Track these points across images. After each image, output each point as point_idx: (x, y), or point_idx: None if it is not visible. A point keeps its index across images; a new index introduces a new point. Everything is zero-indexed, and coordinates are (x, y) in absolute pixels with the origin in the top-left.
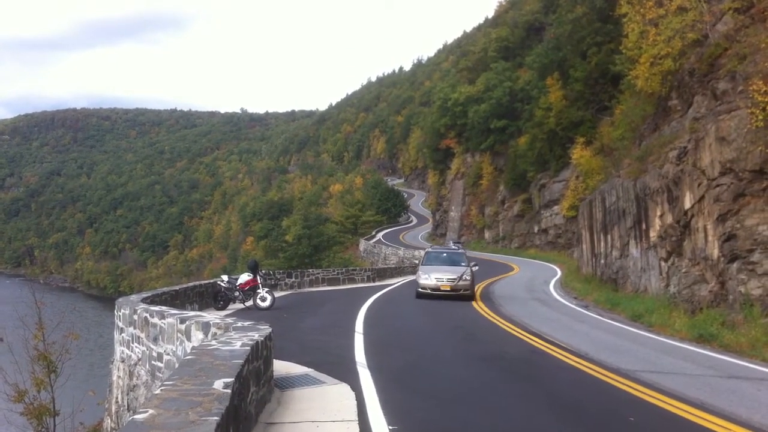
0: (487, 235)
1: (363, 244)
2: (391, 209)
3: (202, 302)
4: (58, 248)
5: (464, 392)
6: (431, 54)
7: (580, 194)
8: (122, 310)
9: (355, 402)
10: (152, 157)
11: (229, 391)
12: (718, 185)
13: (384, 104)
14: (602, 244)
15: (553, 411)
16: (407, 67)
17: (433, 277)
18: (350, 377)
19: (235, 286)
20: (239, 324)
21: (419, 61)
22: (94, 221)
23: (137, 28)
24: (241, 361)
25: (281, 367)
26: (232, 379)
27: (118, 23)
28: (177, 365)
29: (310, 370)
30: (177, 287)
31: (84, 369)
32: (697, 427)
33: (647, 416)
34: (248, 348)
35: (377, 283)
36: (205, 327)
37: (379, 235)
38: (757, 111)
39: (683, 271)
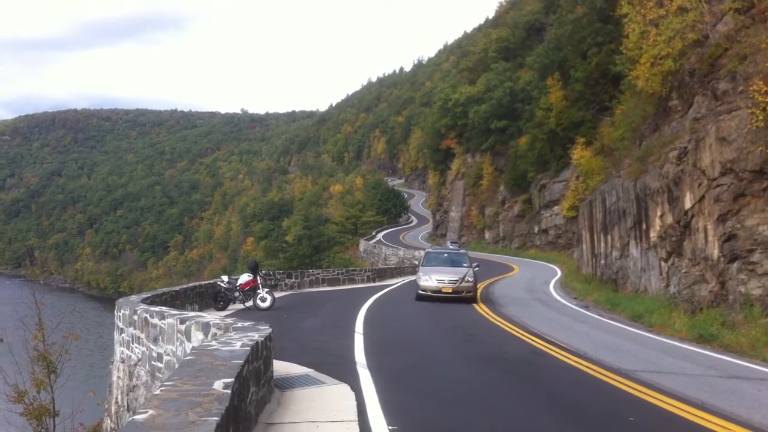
0: (487, 235)
1: (363, 245)
2: (391, 210)
3: (202, 303)
4: (59, 249)
5: (464, 392)
6: (432, 54)
7: (581, 194)
8: (122, 311)
9: (355, 402)
10: (153, 158)
11: (229, 391)
12: (718, 185)
13: (384, 105)
14: (602, 244)
15: (553, 411)
16: (408, 68)
17: (434, 279)
18: (350, 377)
19: (236, 287)
20: (239, 324)
21: (420, 62)
22: (95, 222)
23: (137, 28)
24: (241, 362)
25: (281, 367)
26: (232, 380)
27: (118, 23)
28: (177, 366)
29: (310, 370)
30: (177, 288)
31: (84, 369)
32: (697, 427)
33: (647, 416)
34: (248, 348)
35: (377, 284)
36: (205, 327)
37: (380, 236)
38: (758, 111)
39: (683, 271)
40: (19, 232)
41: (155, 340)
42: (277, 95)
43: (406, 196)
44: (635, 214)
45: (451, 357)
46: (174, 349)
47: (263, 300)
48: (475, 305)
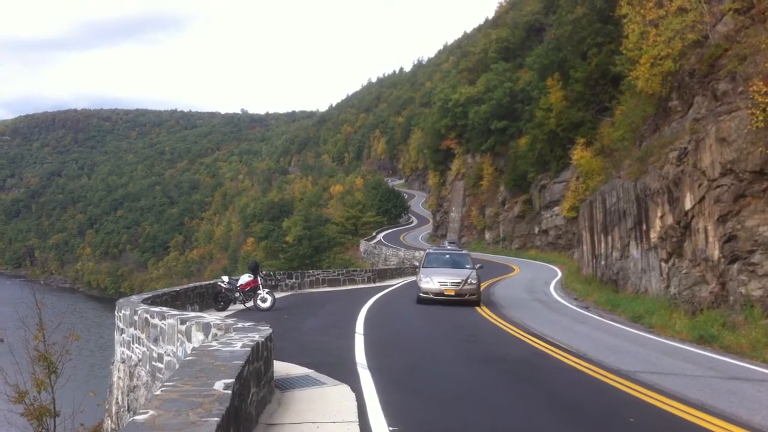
0: (487, 236)
1: (363, 245)
2: (391, 210)
3: (202, 303)
4: (59, 249)
5: (465, 393)
6: (432, 55)
7: (581, 195)
8: (123, 311)
9: (356, 403)
10: (153, 158)
11: (229, 392)
12: (718, 186)
13: (384, 105)
14: (603, 245)
15: (553, 411)
16: (408, 68)
17: (435, 281)
18: (351, 378)
19: (236, 287)
20: (240, 325)
21: (420, 62)
22: (95, 222)
23: (137, 29)
24: (241, 362)
25: (282, 368)
26: (233, 380)
27: (118, 24)
28: (177, 366)
29: (311, 371)
30: (177, 288)
31: (84, 370)
32: (698, 429)
33: (647, 417)
34: (249, 349)
35: (378, 284)
36: (206, 328)
37: (380, 236)
38: (758, 112)
39: (684, 272)
40: (19, 232)
41: (156, 341)
42: (277, 95)
43: (406, 197)
44: (635, 214)
45: (452, 358)
46: (174, 350)
47: (264, 300)
48: (476, 306)
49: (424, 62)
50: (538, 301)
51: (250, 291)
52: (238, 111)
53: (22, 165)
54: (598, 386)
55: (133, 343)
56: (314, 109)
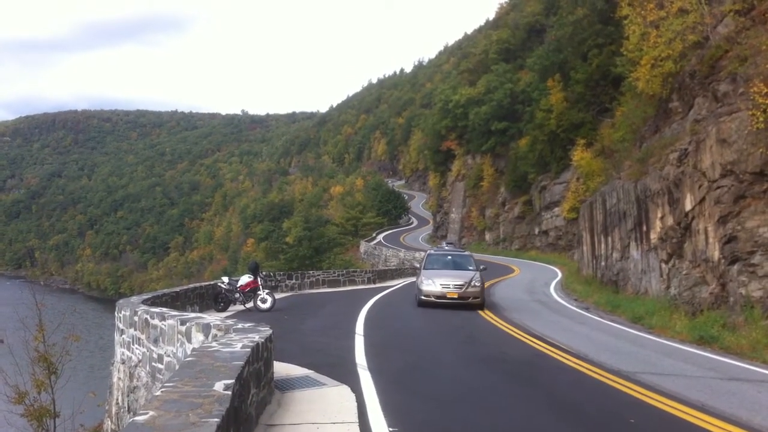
0: (487, 236)
1: (363, 246)
2: (391, 211)
3: (202, 304)
4: (59, 250)
5: (465, 393)
6: (432, 56)
7: (581, 196)
8: (123, 312)
9: (356, 404)
10: (153, 159)
11: (229, 392)
12: (718, 187)
13: (385, 106)
14: (603, 245)
15: (553, 412)
16: (408, 69)
17: (437, 283)
18: (351, 379)
19: (236, 288)
20: (240, 326)
21: (420, 63)
22: (95, 223)
23: (138, 30)
24: (241, 363)
25: (282, 368)
26: (233, 381)
27: (118, 24)
28: (177, 367)
29: (311, 371)
30: (177, 289)
31: (84, 370)
32: (698, 429)
33: (647, 418)
34: (249, 350)
35: (378, 285)
36: (206, 329)
37: (380, 237)
38: (758, 113)
39: (684, 273)
40: (19, 233)
41: (156, 341)
42: (278, 96)
43: (406, 198)
44: (636, 215)
45: (452, 358)
46: (174, 351)
47: (264, 301)
48: (478, 309)
49: (424, 63)
50: (539, 302)
51: (250, 292)
52: (239, 112)
53: (23, 166)
54: (598, 387)
55: (133, 344)
56: (314, 110)
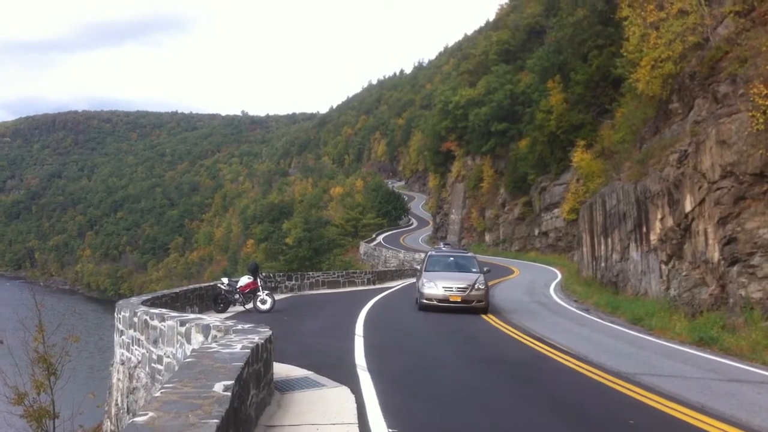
0: (487, 238)
1: (363, 247)
2: (391, 212)
3: (202, 305)
4: (59, 251)
5: (464, 394)
6: (432, 57)
7: (581, 197)
8: (122, 313)
9: (355, 405)
10: (153, 160)
11: (229, 393)
12: (718, 188)
13: (385, 107)
14: (603, 247)
15: (553, 413)
16: (408, 70)
17: (440, 286)
18: (350, 380)
19: (236, 289)
20: (239, 326)
21: (420, 64)
22: (95, 224)
23: (138, 30)
24: (241, 364)
25: (281, 369)
26: (232, 382)
27: (119, 25)
28: (177, 368)
29: (310, 372)
30: (177, 290)
31: (84, 371)
32: (697, 431)
33: (647, 419)
34: (248, 351)
35: (377, 286)
36: (205, 329)
37: (380, 238)
38: (758, 114)
39: (684, 274)
40: (19, 233)
41: (155, 342)
42: (278, 97)
43: (406, 199)
44: (635, 217)
45: (451, 359)
46: (174, 351)
47: (263, 302)
48: (482, 313)
49: (424, 64)
50: (538, 303)
51: (250, 293)
52: (239, 113)
53: (23, 166)
54: (598, 388)
55: (132, 345)
56: (314, 111)
